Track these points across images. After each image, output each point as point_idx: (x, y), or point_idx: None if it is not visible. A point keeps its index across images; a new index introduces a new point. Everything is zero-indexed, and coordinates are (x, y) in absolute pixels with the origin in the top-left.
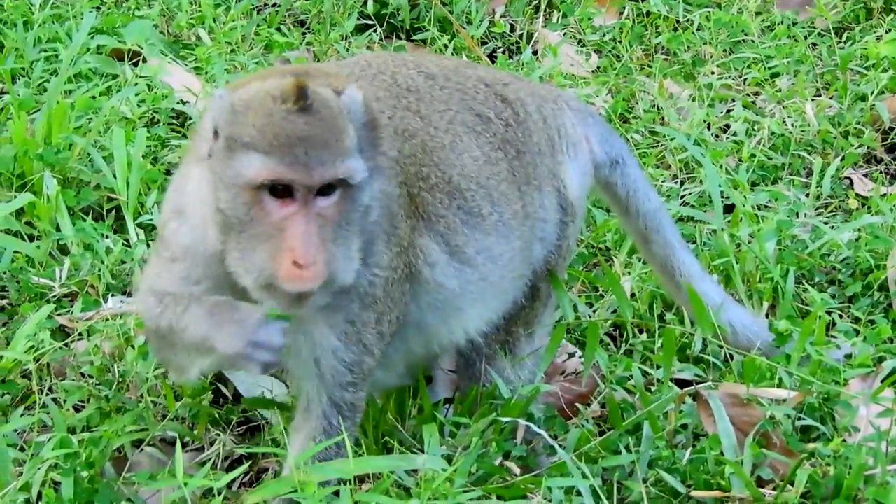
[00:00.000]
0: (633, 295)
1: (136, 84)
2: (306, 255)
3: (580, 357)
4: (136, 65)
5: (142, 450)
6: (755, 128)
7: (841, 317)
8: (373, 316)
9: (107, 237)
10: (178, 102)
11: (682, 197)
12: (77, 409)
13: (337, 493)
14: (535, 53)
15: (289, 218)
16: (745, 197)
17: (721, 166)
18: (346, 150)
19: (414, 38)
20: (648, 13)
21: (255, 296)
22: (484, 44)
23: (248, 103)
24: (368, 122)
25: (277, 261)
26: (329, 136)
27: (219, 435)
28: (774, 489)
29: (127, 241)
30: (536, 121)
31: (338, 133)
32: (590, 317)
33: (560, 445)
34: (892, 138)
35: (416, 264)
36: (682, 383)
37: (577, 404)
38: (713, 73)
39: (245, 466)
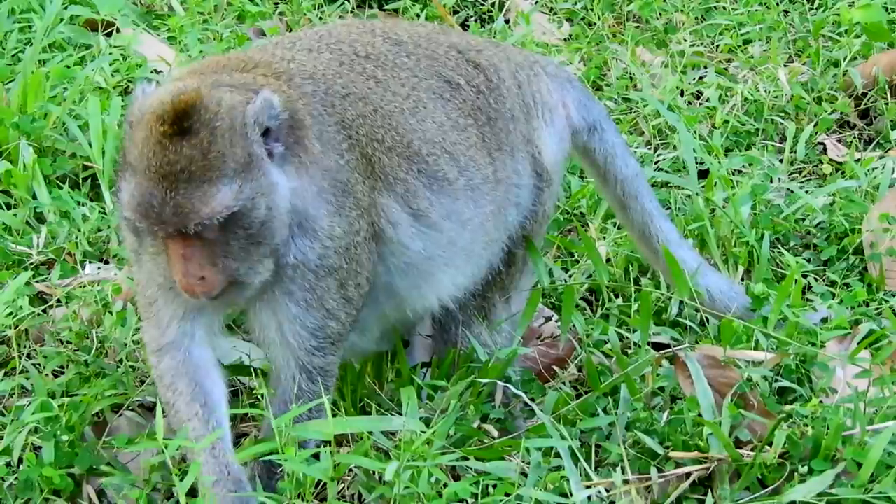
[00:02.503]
0: (608, 260)
1: (110, 54)
2: (188, 278)
3: (557, 321)
4: (109, 35)
5: (121, 414)
6: (728, 94)
7: (816, 280)
8: (333, 283)
9: (83, 205)
10: (151, 72)
11: (655, 163)
12: (56, 375)
13: (316, 456)
14: (507, 22)
15: (168, 240)
16: (719, 162)
17: (695, 132)
18: (216, 182)
19: (386, 6)
20: None
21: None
22: (456, 13)
23: (140, 116)
24: (288, 122)
25: (171, 272)
26: (197, 170)
27: None
28: (752, 450)
29: (103, 208)
30: (510, 87)
31: (212, 161)
32: (565, 281)
33: (538, 408)
34: (865, 104)
35: (379, 223)
36: (658, 347)
37: (555, 368)
38: (685, 40)
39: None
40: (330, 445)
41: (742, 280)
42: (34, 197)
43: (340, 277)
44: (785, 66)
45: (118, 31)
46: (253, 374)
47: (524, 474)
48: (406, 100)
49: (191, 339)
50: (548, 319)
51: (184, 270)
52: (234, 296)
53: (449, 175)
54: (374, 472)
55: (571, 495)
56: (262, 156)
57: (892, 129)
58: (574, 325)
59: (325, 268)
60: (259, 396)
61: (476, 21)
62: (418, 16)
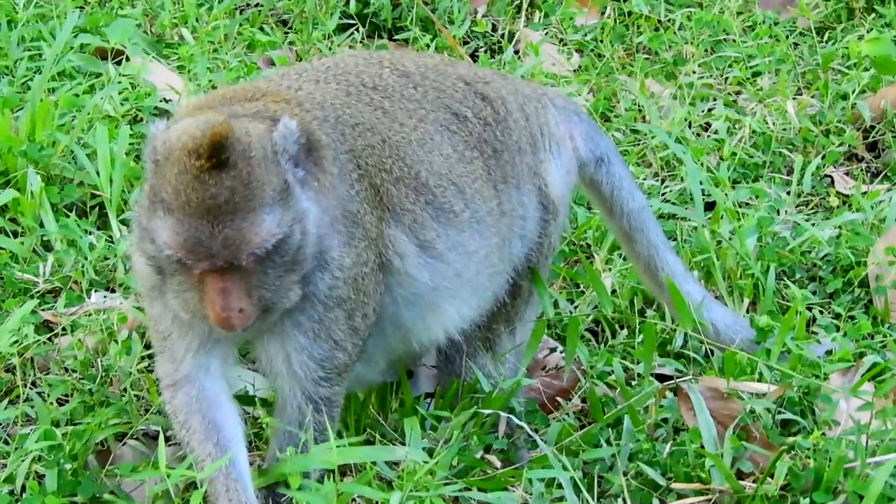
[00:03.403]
0: (613, 291)
1: (119, 82)
2: (227, 310)
3: (562, 352)
4: (119, 63)
5: (125, 443)
6: (736, 126)
7: (822, 313)
8: (341, 314)
9: (90, 233)
10: (161, 101)
11: (662, 195)
12: (61, 403)
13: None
14: (516, 53)
15: (206, 275)
16: (725, 194)
17: (702, 164)
18: (260, 211)
19: (396, 37)
20: (630, 13)
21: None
22: (466, 43)
23: (168, 152)
24: (307, 145)
25: (205, 308)
26: (241, 201)
27: None
28: (754, 482)
29: (110, 237)
30: (518, 119)
31: (254, 191)
32: (571, 313)
33: (541, 439)
34: (873, 137)
35: (387, 254)
36: (662, 378)
37: (559, 399)
38: (694, 72)
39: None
40: (334, 475)
41: (747, 312)
42: (41, 225)
43: (348, 308)
44: (793, 98)
45: (128, 59)
46: (257, 403)
47: None
48: (414, 131)
49: (205, 373)
50: (552, 350)
51: (223, 304)
52: (261, 323)
53: (455, 207)
54: (377, 502)
55: None
56: (294, 182)
57: None
58: (578, 357)
59: (333, 298)
60: (263, 426)
61: (486, 52)
62: (428, 46)
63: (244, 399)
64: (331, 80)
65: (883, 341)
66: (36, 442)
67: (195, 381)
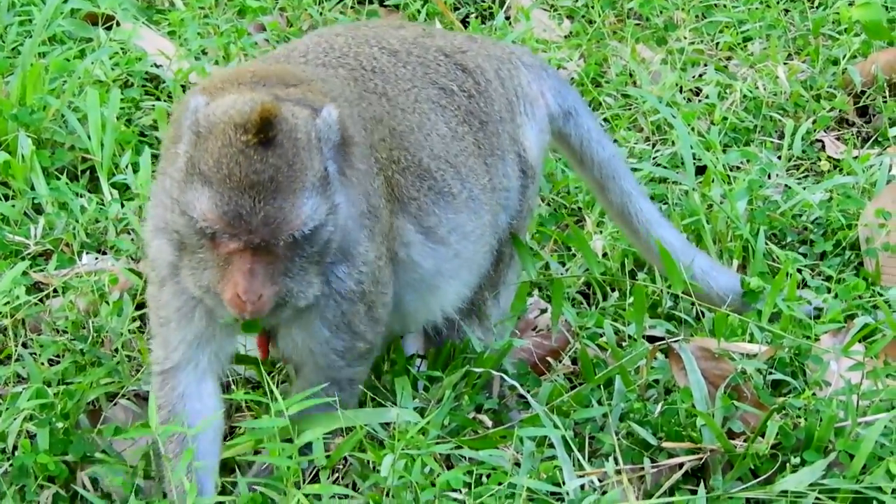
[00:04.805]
0: (605, 254)
1: (109, 47)
2: (248, 293)
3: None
4: (109, 29)
5: (116, 403)
6: (727, 91)
7: (812, 276)
8: (362, 307)
9: (81, 196)
10: (151, 66)
11: (653, 158)
12: (52, 363)
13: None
14: (507, 18)
15: (235, 253)
16: (716, 158)
17: (693, 129)
18: (301, 194)
19: (386, 3)
20: None
21: (208, 304)
22: (457, 9)
23: (212, 125)
24: (342, 140)
25: (223, 286)
26: (284, 181)
27: None
28: (745, 441)
29: (101, 200)
30: (496, 87)
31: (297, 173)
32: (562, 276)
33: (532, 399)
34: (864, 102)
35: (394, 247)
36: (653, 340)
37: (549, 359)
38: (685, 37)
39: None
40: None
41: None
42: (32, 188)
43: (368, 301)
44: (784, 63)
45: (118, 24)
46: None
47: (518, 464)
48: (413, 115)
49: (194, 367)
50: (543, 311)
51: (245, 287)
52: (271, 317)
53: (454, 189)
54: (368, 461)
55: (564, 485)
56: (334, 173)
57: (891, 127)
58: (566, 319)
59: (356, 293)
60: (252, 387)
61: (476, 17)
62: (419, 12)
63: (243, 358)
64: (336, 64)
65: (870, 301)
66: (28, 400)
67: (183, 371)
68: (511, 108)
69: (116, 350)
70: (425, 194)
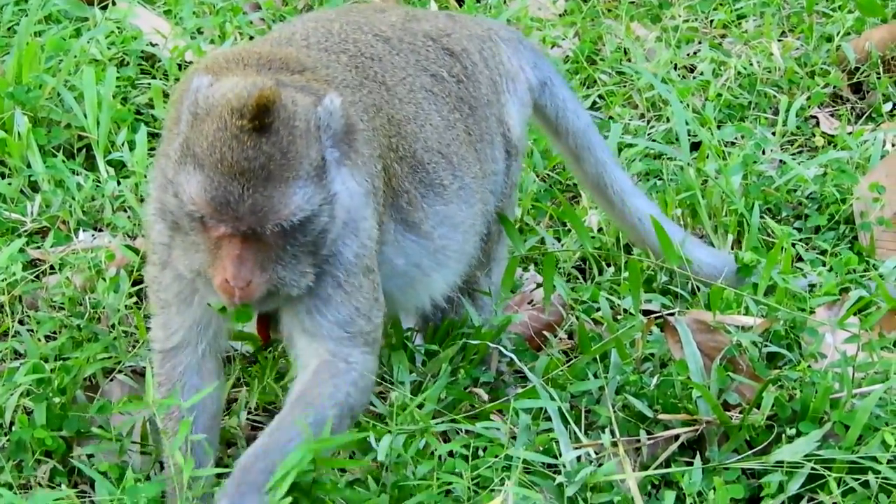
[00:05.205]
0: (599, 230)
1: (105, 26)
2: (237, 279)
3: None
4: (104, 8)
5: (112, 378)
6: (721, 68)
7: (807, 250)
8: (366, 282)
9: (78, 174)
10: (147, 44)
11: (648, 134)
12: (49, 339)
13: None
14: None
15: (225, 238)
16: (711, 132)
17: (687, 105)
18: (293, 184)
19: None
20: None
21: (200, 288)
22: None
23: (210, 108)
24: (345, 128)
25: (213, 271)
26: (276, 169)
27: None
28: (741, 413)
29: (98, 178)
30: (482, 69)
31: (290, 161)
32: (554, 250)
33: (529, 372)
34: (858, 78)
35: (382, 234)
36: (648, 314)
37: (546, 333)
38: (679, 15)
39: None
40: None
41: (732, 248)
42: (29, 166)
43: (373, 279)
44: (778, 40)
45: (114, 3)
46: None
47: (514, 437)
48: (409, 105)
49: (193, 349)
50: (539, 286)
51: (234, 273)
52: (263, 305)
53: (445, 181)
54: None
55: (560, 457)
56: (332, 162)
57: (885, 103)
58: (560, 294)
59: (359, 266)
60: (249, 363)
61: None
62: None
63: (241, 335)
64: (337, 50)
65: (863, 275)
66: (25, 376)
67: (183, 354)
68: (496, 87)
69: (113, 326)
70: (416, 187)
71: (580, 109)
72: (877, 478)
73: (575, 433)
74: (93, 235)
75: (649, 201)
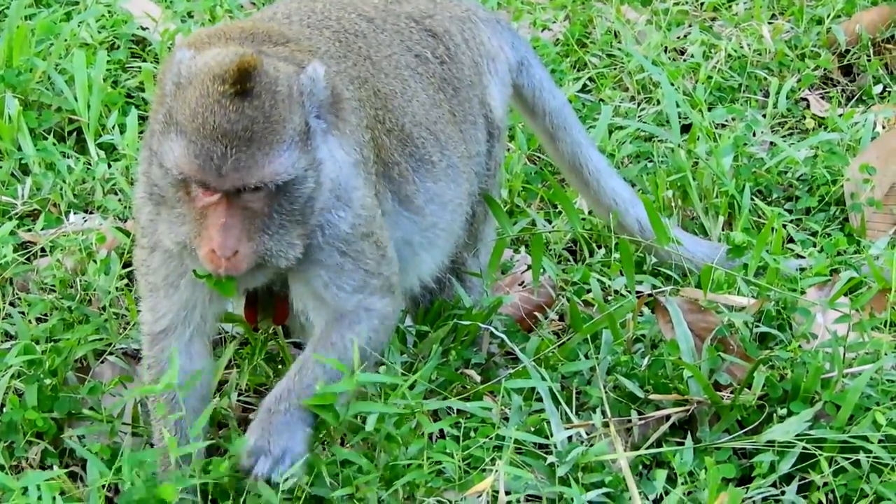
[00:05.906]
0: (590, 211)
1: (95, 10)
2: (223, 248)
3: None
4: None
5: (104, 360)
6: (712, 50)
7: (798, 231)
8: (367, 245)
9: (68, 157)
10: (137, 28)
11: (639, 117)
12: (40, 322)
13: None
14: None
15: (210, 207)
16: (702, 115)
17: (678, 88)
18: (277, 146)
19: None
20: None
21: (186, 262)
22: None
23: (192, 76)
24: (331, 96)
25: (199, 241)
26: (259, 131)
27: None
28: (732, 393)
29: (88, 161)
30: (464, 50)
31: (273, 125)
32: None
33: (520, 352)
34: (849, 61)
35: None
36: (640, 296)
37: (537, 314)
38: None
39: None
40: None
41: (722, 230)
42: (19, 149)
43: (375, 240)
44: (769, 23)
45: None
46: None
47: (506, 418)
48: (395, 80)
49: (183, 331)
50: (530, 267)
51: (220, 242)
52: (251, 278)
53: (433, 157)
54: (357, 416)
55: (551, 437)
56: (317, 129)
57: (875, 86)
58: (549, 275)
59: (357, 234)
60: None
61: None
62: None
63: (231, 317)
64: (321, 27)
65: (854, 256)
66: (16, 357)
67: (172, 337)
68: (478, 69)
69: (104, 308)
70: (406, 160)
71: (555, 89)
72: (868, 457)
73: (566, 413)
74: (83, 218)
75: (623, 181)
